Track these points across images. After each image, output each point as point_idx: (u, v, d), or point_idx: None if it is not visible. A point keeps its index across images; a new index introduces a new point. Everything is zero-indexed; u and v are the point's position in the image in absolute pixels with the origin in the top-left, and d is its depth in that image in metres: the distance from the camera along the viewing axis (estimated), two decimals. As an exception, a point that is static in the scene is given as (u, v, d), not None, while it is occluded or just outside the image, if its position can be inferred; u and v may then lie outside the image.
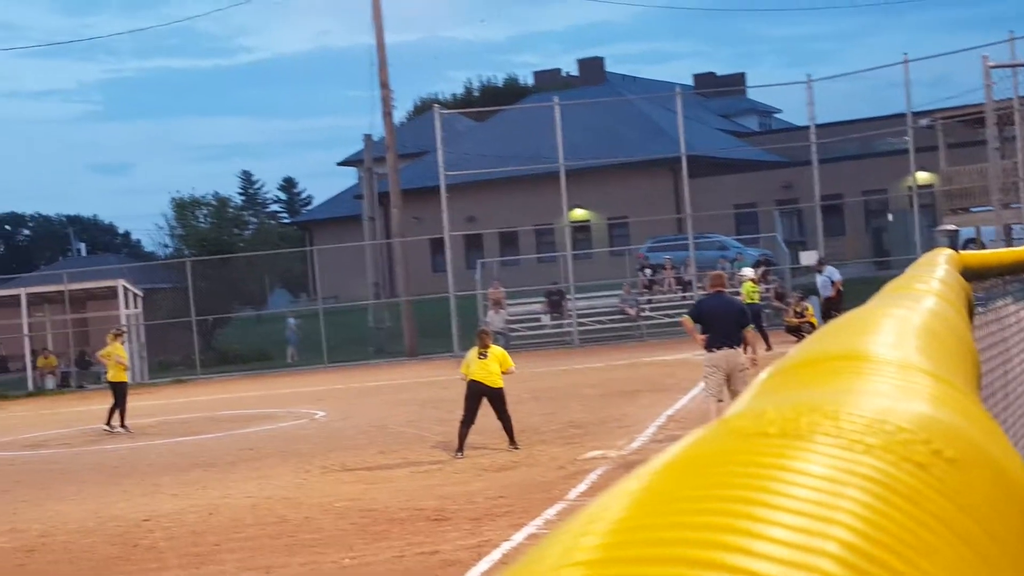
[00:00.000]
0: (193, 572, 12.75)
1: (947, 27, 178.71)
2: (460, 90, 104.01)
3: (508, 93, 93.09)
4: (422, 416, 25.45)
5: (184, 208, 59.40)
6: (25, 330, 48.82)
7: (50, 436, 28.86)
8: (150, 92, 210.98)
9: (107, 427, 27.96)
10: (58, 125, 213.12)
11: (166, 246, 60.99)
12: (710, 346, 18.33)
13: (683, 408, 22.98)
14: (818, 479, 0.65)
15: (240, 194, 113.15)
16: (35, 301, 50.95)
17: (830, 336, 1.22)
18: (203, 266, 53.10)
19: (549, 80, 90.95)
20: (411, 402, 28.84)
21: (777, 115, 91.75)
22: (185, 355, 51.63)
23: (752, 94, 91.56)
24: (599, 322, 47.80)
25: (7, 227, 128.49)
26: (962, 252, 5.21)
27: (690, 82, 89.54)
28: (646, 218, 55.24)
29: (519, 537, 12.81)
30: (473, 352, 19.70)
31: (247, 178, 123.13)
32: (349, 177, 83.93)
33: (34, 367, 48.34)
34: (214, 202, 61.23)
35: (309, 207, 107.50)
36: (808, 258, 46.43)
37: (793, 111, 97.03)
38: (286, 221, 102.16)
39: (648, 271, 50.29)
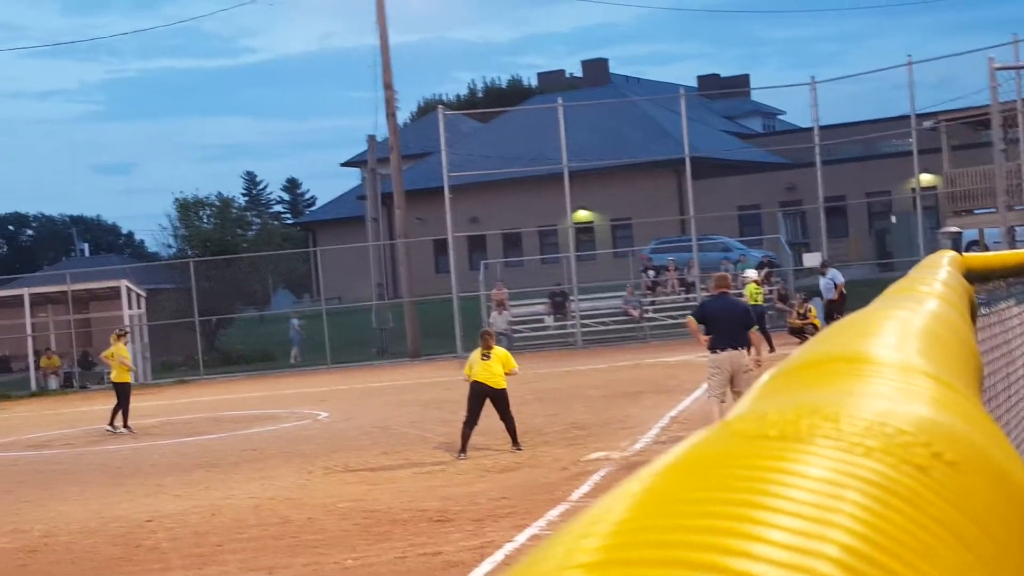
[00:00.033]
0: (196, 573, 12.75)
1: (951, 29, 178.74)
2: (464, 91, 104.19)
3: (512, 94, 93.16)
4: (425, 417, 25.44)
5: (188, 208, 59.38)
6: (28, 330, 48.81)
7: (53, 436, 28.87)
8: (153, 92, 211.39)
9: (110, 427, 27.97)
10: (61, 125, 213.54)
11: (169, 246, 60.99)
12: (714, 347, 18.33)
13: (686, 409, 22.96)
14: (818, 482, 0.65)
15: (244, 195, 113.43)
16: (38, 301, 50.93)
17: (832, 338, 1.22)
18: (206, 266, 53.12)
19: (553, 81, 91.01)
20: (414, 403, 28.84)
21: (781, 117, 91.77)
22: (188, 355, 51.66)
23: (756, 96, 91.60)
24: (602, 323, 47.78)
25: (10, 227, 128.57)
26: (965, 254, 5.21)
27: (694, 83, 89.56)
28: (650, 219, 55.21)
29: (522, 538, 12.80)
30: (476, 353, 19.68)
31: (251, 178, 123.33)
32: (353, 178, 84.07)
33: (37, 367, 48.33)
34: (217, 202, 61.20)
35: (313, 208, 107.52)
36: (811, 260, 46.44)
37: (797, 113, 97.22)
38: (289, 222, 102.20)
39: (651, 272, 50.26)
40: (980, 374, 1.81)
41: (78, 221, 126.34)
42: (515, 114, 68.50)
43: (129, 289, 48.10)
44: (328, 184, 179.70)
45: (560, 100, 47.79)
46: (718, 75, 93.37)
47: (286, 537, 14.04)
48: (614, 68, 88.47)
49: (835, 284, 37.79)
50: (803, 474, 0.66)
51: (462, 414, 19.50)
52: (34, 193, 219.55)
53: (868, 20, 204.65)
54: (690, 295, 47.26)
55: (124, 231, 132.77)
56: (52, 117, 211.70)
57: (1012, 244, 37.92)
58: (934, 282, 2.63)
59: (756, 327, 19.82)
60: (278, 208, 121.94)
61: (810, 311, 36.96)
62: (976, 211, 42.76)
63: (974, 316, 3.64)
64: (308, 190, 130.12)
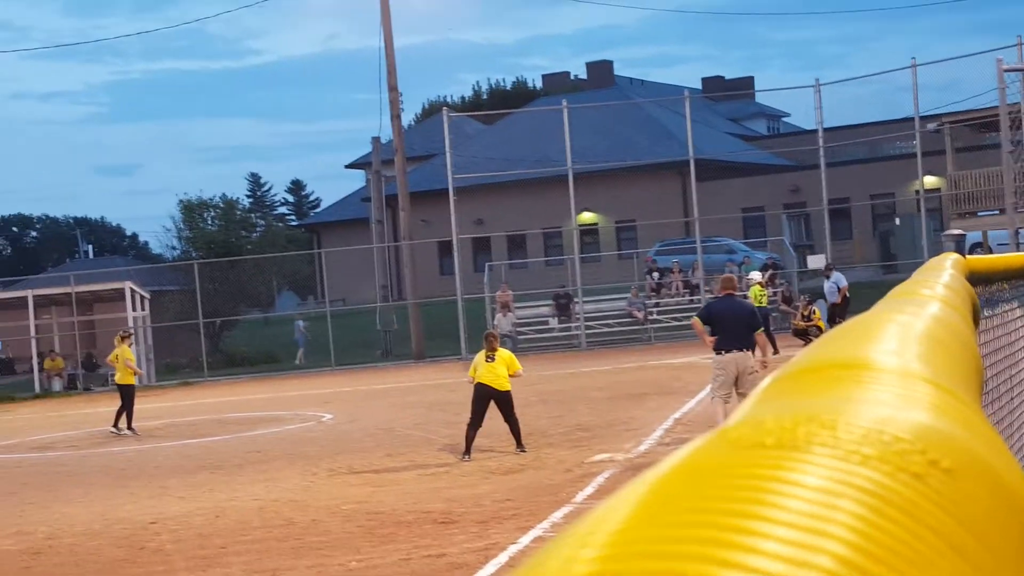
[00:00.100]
0: (200, 575, 12.75)
1: (954, 32, 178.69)
2: (469, 93, 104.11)
3: (517, 96, 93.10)
4: (429, 419, 25.44)
5: (192, 210, 59.40)
6: (32, 332, 48.81)
7: (57, 438, 28.88)
8: (157, 94, 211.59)
9: (114, 429, 27.98)
10: (65, 127, 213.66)
11: (173, 248, 61.04)
12: (719, 348, 18.31)
13: (690, 411, 22.96)
14: (813, 491, 0.65)
15: (248, 196, 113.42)
16: (42, 303, 50.94)
17: (832, 343, 1.22)
18: (210, 268, 53.10)
19: (558, 83, 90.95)
20: (418, 405, 28.84)
21: (785, 119, 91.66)
22: (192, 357, 51.64)
23: (760, 98, 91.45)
24: (607, 325, 47.78)
25: (14, 229, 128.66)
26: (968, 256, 5.21)
27: (698, 85, 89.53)
28: (654, 221, 55.20)
29: (526, 540, 12.81)
30: (481, 355, 19.67)
31: (255, 180, 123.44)
32: (357, 180, 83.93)
33: (41, 369, 48.34)
34: (222, 204, 61.23)
35: (317, 209, 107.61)
36: (816, 262, 46.44)
37: (801, 115, 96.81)
38: (294, 223, 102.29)
39: (656, 274, 50.26)
40: (981, 378, 1.81)
41: (82, 223, 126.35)
42: (520, 116, 68.52)
43: (133, 291, 48.10)
44: (332, 186, 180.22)
45: (565, 102, 47.81)
46: (722, 77, 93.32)
47: (290, 539, 14.04)
48: (618, 70, 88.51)
49: (838, 287, 37.87)
50: (799, 483, 0.66)
51: (466, 416, 19.50)
52: (38, 195, 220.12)
53: (872, 22, 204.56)
54: (694, 297, 47.28)
55: (128, 233, 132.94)
56: (56, 118, 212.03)
57: (1016, 246, 37.90)
58: (936, 285, 2.63)
59: (762, 329, 19.79)
60: (282, 210, 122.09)
61: (814, 313, 36.95)
62: (980, 213, 42.76)
63: (977, 319, 3.63)
64: (312, 192, 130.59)
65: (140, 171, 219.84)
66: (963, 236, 6.09)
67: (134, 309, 47.66)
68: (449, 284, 48.93)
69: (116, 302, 48.41)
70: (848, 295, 37.39)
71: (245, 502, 16.91)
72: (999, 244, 39.32)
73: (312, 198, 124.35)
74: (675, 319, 46.17)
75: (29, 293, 50.41)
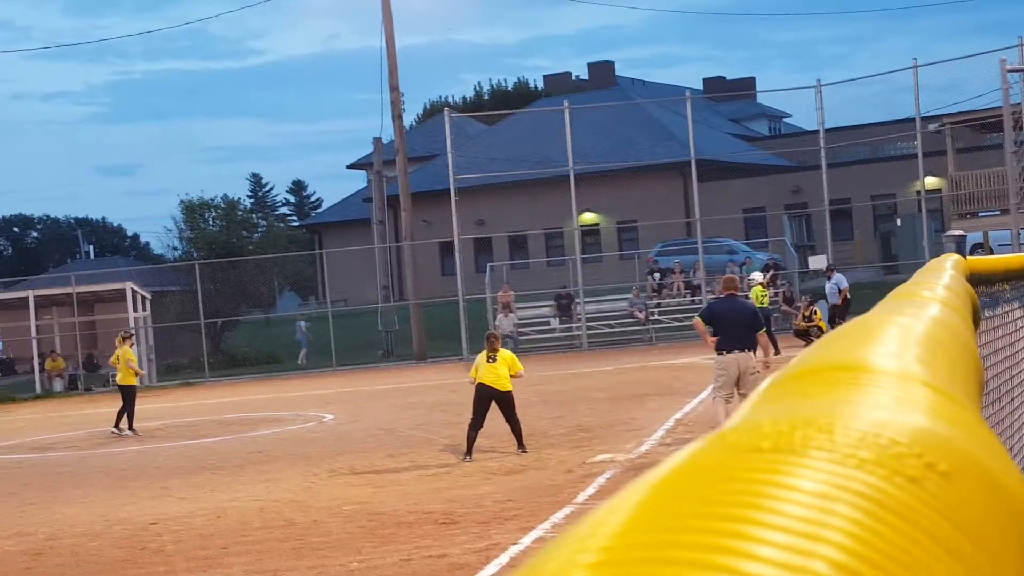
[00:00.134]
0: (200, 575, 12.75)
1: (955, 33, 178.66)
2: (470, 93, 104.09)
3: (518, 96, 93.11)
4: (430, 419, 25.44)
5: (193, 210, 59.39)
6: (33, 332, 48.80)
7: (58, 439, 28.88)
8: (159, 94, 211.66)
9: (115, 430, 27.98)
10: (66, 127, 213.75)
11: (175, 248, 61.03)
12: (721, 349, 18.32)
13: (691, 412, 22.96)
14: (809, 495, 0.65)
15: (249, 197, 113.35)
16: (43, 303, 50.94)
17: (832, 345, 1.22)
18: (212, 269, 53.08)
19: (559, 84, 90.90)
20: (419, 405, 28.84)
21: (787, 119, 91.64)
22: (193, 358, 51.63)
23: (762, 98, 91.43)
24: (608, 326, 47.78)
25: (15, 229, 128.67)
26: (969, 257, 5.21)
27: (700, 86, 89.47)
28: (655, 222, 55.17)
29: (527, 540, 12.81)
30: (482, 356, 19.66)
31: (256, 180, 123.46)
32: (358, 180, 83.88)
33: (42, 369, 48.32)
34: (223, 204, 61.22)
35: (318, 210, 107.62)
36: (817, 262, 46.43)
37: (803, 115, 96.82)
38: (295, 224, 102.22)
39: (657, 275, 50.25)
40: (981, 380, 1.81)
41: (83, 223, 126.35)
42: (521, 116, 68.53)
43: (134, 291, 48.09)
44: (334, 186, 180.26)
45: (566, 103, 47.79)
46: (724, 78, 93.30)
47: (291, 540, 14.04)
48: (620, 71, 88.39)
49: (839, 289, 37.91)
50: (795, 487, 0.66)
51: (468, 416, 19.50)
52: (39, 195, 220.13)
53: (873, 23, 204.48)
54: (695, 297, 47.25)
55: (129, 233, 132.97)
56: (57, 119, 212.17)
57: (1017, 247, 37.89)
58: (937, 286, 2.63)
59: (764, 329, 19.78)
60: (284, 210, 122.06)
61: (815, 313, 36.98)
62: (981, 214, 42.75)
63: (977, 320, 3.63)
64: (314, 192, 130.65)
65: (141, 171, 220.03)
66: (964, 237, 6.09)
67: (135, 309, 47.66)
68: (450, 285, 48.93)
69: (117, 302, 48.41)
70: (849, 296, 37.43)
71: (246, 503, 16.91)
72: (1000, 245, 39.30)
73: (313, 198, 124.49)
74: (676, 320, 46.17)
75: (30, 293, 50.40)
